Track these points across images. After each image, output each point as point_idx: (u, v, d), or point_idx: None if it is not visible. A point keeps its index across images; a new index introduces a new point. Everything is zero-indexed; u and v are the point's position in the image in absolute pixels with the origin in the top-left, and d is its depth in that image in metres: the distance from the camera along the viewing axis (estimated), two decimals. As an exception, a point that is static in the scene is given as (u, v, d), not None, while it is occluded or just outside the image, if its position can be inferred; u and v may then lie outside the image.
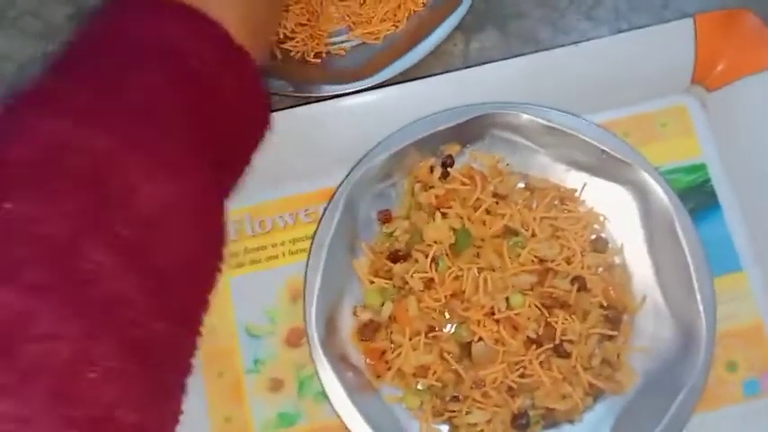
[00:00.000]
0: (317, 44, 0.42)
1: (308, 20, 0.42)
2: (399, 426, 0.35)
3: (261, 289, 0.38)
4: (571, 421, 0.35)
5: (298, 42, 0.42)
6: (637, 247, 0.37)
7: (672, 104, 0.40)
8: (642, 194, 0.36)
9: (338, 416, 0.34)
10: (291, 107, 0.38)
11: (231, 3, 0.27)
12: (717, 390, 0.36)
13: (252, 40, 0.28)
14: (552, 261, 0.35)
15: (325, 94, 0.39)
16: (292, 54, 0.42)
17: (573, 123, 0.37)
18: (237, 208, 0.39)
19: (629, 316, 0.36)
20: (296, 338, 0.37)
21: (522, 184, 0.38)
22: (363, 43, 0.42)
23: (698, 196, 0.38)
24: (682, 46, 0.38)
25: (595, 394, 0.35)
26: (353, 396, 0.34)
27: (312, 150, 0.39)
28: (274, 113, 0.38)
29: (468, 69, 0.38)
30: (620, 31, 0.40)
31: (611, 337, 0.35)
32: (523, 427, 0.34)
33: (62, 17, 0.43)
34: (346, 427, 0.34)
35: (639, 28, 0.39)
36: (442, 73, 0.39)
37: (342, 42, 0.42)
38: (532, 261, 0.36)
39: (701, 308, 0.34)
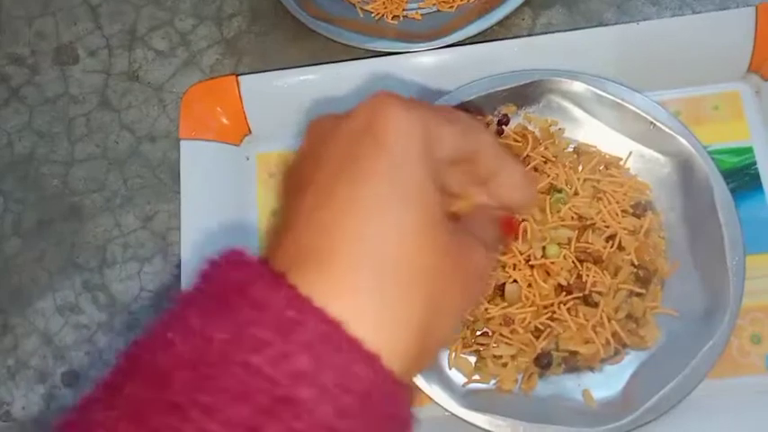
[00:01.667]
0: (396, 8, 0.45)
1: (390, -14, 0.46)
2: (431, 353, 0.38)
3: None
4: (592, 368, 0.37)
5: (378, 5, 0.46)
6: (675, 215, 0.39)
7: (726, 90, 0.41)
8: (686, 167, 0.38)
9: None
10: (366, 58, 0.42)
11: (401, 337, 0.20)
12: (740, 359, 0.37)
13: (409, 374, 0.21)
14: (591, 219, 0.38)
15: (398, 50, 0.43)
16: (373, 15, 0.46)
17: (625, 95, 0.39)
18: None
19: (659, 278, 0.38)
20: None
21: (570, 148, 0.40)
22: (438, 10, 0.45)
23: (742, 177, 0.40)
24: (742, 34, 0.40)
25: (617, 345, 0.37)
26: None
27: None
28: (351, 63, 0.42)
29: (533, 37, 0.41)
30: (683, 17, 0.42)
31: (639, 295, 0.37)
32: (546, 366, 0.37)
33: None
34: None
35: (702, 14, 0.41)
36: (507, 38, 0.42)
37: (418, 8, 0.46)
38: (572, 217, 0.38)
39: (730, 275, 0.35)
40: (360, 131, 0.21)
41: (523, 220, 0.37)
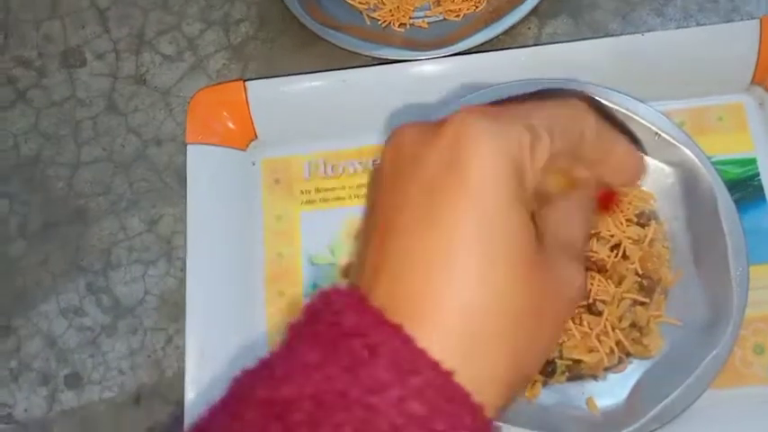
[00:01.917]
0: (403, 16, 0.46)
1: (398, -6, 0.47)
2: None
3: (326, 225, 0.42)
4: (595, 377, 0.37)
5: (385, 12, 0.46)
6: (679, 225, 0.39)
7: (730, 101, 0.42)
8: (690, 177, 0.38)
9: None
10: (372, 66, 0.43)
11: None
12: (743, 369, 0.37)
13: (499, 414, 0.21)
14: (595, 228, 0.38)
15: (404, 58, 0.43)
16: (380, 22, 0.46)
17: (629, 105, 0.39)
18: (316, 151, 0.43)
19: (663, 287, 0.38)
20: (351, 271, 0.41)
21: (575, 157, 0.41)
22: (444, 19, 0.46)
23: (745, 188, 0.40)
24: (746, 46, 0.40)
25: (621, 354, 0.37)
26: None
27: (387, 107, 0.42)
28: (357, 70, 0.42)
29: (539, 47, 0.42)
30: (688, 29, 0.42)
31: (643, 304, 0.37)
32: (549, 374, 0.37)
33: (184, -27, 0.50)
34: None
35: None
36: (513, 48, 0.42)
37: (424, 17, 0.46)
38: (577, 226, 0.38)
39: (733, 285, 0.36)
40: (444, 165, 0.20)
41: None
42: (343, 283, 0.21)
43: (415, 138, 0.22)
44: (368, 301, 0.20)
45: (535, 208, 0.23)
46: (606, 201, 0.26)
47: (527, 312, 0.20)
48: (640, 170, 0.25)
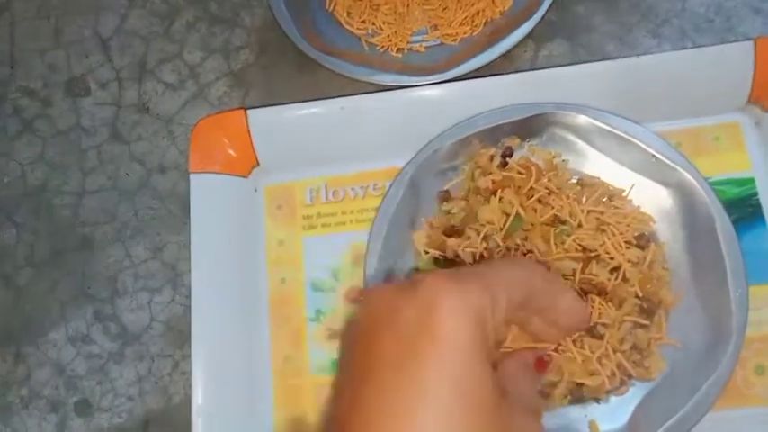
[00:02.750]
0: (401, 41, 0.46)
1: (395, 19, 0.47)
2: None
3: (328, 249, 0.43)
4: (597, 400, 0.38)
5: (383, 38, 0.47)
6: (678, 246, 0.39)
7: (726, 121, 0.42)
8: (688, 198, 0.39)
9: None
10: (372, 92, 0.43)
11: None
12: (744, 390, 0.38)
13: None
14: (595, 251, 0.38)
15: (402, 84, 0.44)
16: (377, 48, 0.46)
17: (627, 128, 0.40)
18: (317, 176, 0.44)
19: (663, 309, 0.38)
20: (354, 296, 0.41)
21: (574, 180, 0.41)
22: (441, 44, 0.46)
23: (744, 208, 0.40)
24: (741, 67, 0.41)
25: (623, 377, 0.37)
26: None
27: (386, 133, 0.43)
28: (356, 97, 0.43)
29: (535, 71, 0.42)
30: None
31: (643, 326, 0.38)
32: (546, 396, 0.37)
33: (184, 1, 0.50)
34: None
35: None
36: (510, 72, 0.43)
37: (422, 41, 0.47)
38: (576, 249, 0.39)
39: (733, 306, 0.36)
40: (416, 326, 0.22)
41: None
42: None
43: (388, 300, 0.24)
44: None
45: (498, 358, 0.26)
46: (540, 364, 0.31)
47: None
48: (585, 315, 0.30)
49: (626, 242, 0.39)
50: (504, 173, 0.40)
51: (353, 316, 0.26)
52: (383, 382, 0.22)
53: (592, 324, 0.37)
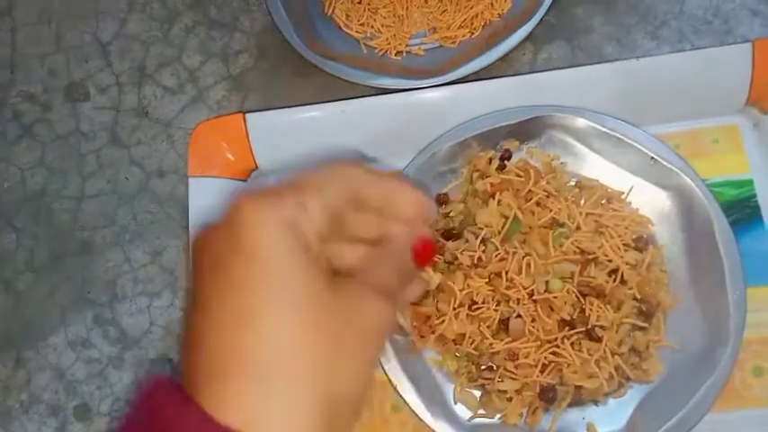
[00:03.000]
0: (400, 44, 0.46)
1: (393, 22, 0.47)
2: (438, 387, 0.39)
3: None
4: (596, 402, 0.38)
5: (382, 41, 0.47)
6: (676, 249, 0.39)
7: (725, 123, 0.42)
8: (686, 201, 0.39)
9: (385, 372, 0.38)
10: (371, 96, 0.43)
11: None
12: (742, 392, 0.38)
13: None
14: (593, 254, 0.38)
15: (401, 87, 0.44)
16: (376, 51, 0.47)
17: (626, 130, 0.40)
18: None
19: (661, 312, 0.38)
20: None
21: (572, 183, 0.41)
22: (440, 46, 0.46)
23: (742, 210, 0.40)
24: (739, 68, 0.41)
25: (621, 379, 0.37)
26: (400, 357, 0.38)
27: (385, 136, 0.43)
28: (354, 100, 0.43)
29: (533, 74, 0.42)
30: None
31: (642, 328, 0.38)
32: (550, 401, 0.37)
33: (183, 5, 0.50)
34: (392, 384, 0.37)
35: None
36: (509, 75, 0.43)
37: (421, 44, 0.47)
38: (574, 252, 0.39)
39: (731, 308, 0.36)
40: (224, 243, 0.23)
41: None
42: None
43: (210, 229, 0.24)
44: (168, 383, 0.22)
45: (335, 254, 0.26)
46: (422, 252, 0.28)
47: (321, 342, 0.22)
48: (428, 203, 0.28)
49: (624, 245, 0.39)
50: (502, 175, 0.41)
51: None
52: (209, 308, 0.23)
53: (590, 326, 0.37)
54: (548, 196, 0.40)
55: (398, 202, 0.27)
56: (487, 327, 0.38)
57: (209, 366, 0.22)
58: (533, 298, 0.38)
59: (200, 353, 0.22)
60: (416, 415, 0.37)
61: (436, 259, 0.39)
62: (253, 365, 0.21)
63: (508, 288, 0.38)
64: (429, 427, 0.37)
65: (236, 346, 0.22)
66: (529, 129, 0.41)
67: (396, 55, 0.46)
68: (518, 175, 0.40)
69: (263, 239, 0.22)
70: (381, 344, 0.26)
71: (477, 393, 0.38)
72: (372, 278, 0.26)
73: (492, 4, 0.46)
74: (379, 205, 0.27)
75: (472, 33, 0.46)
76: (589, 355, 0.37)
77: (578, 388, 0.37)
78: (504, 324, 0.38)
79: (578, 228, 0.39)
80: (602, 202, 0.40)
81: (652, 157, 0.39)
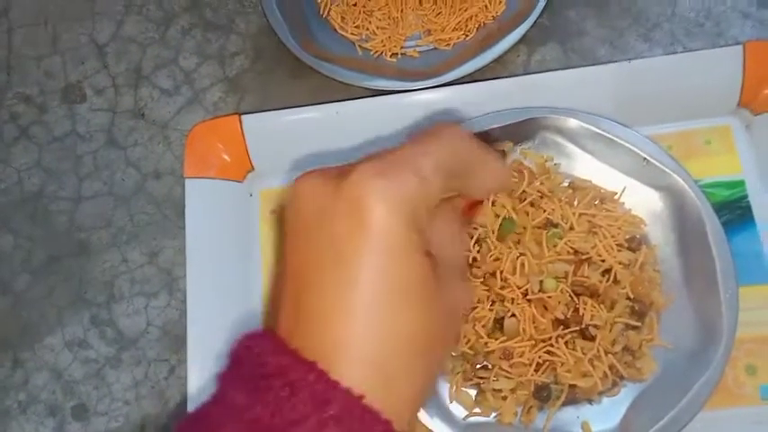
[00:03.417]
0: (395, 46, 0.47)
1: (388, 24, 0.48)
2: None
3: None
4: (590, 401, 0.38)
5: (377, 43, 0.47)
6: (669, 249, 0.40)
7: (717, 124, 0.42)
8: (678, 201, 0.39)
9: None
10: (364, 98, 0.44)
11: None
12: (735, 390, 0.38)
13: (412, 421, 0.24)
14: (586, 254, 0.39)
15: (396, 89, 0.44)
16: (372, 53, 0.47)
17: (618, 132, 0.40)
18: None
19: (654, 311, 0.39)
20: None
21: (565, 183, 0.41)
22: (435, 48, 0.47)
23: (734, 210, 0.41)
24: (731, 71, 0.41)
25: (615, 378, 0.38)
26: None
27: (381, 137, 0.43)
28: (350, 102, 0.43)
29: (527, 76, 0.42)
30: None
31: (635, 328, 0.38)
32: (545, 399, 0.37)
33: (179, 7, 0.51)
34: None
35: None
36: (503, 77, 0.43)
37: (416, 46, 0.47)
38: (568, 252, 0.39)
39: (723, 307, 0.36)
40: (345, 225, 0.23)
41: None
42: (260, 329, 0.24)
43: (317, 194, 0.24)
44: (285, 343, 0.23)
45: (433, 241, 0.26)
46: (471, 209, 0.30)
47: (432, 338, 0.23)
48: (508, 175, 0.30)
49: (617, 245, 0.39)
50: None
51: (286, 205, 0.26)
52: (320, 287, 0.22)
53: (584, 326, 0.37)
54: (541, 197, 0.40)
55: (486, 174, 0.28)
56: (482, 326, 0.38)
57: (314, 335, 0.22)
58: (528, 297, 0.38)
59: (303, 321, 0.23)
60: (412, 414, 0.37)
61: None
62: (373, 341, 0.22)
63: (503, 288, 0.38)
64: (424, 425, 0.37)
65: (356, 322, 0.22)
66: (522, 130, 0.41)
67: (391, 57, 0.47)
68: (512, 176, 0.41)
69: (388, 228, 0.22)
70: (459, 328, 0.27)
71: (473, 392, 0.39)
72: (449, 257, 0.26)
73: (486, 7, 0.47)
74: (471, 170, 0.27)
75: (466, 36, 0.46)
76: (583, 353, 0.37)
77: (573, 387, 0.37)
78: (498, 323, 0.38)
79: (572, 228, 0.39)
80: (596, 202, 0.41)
81: (645, 158, 0.40)
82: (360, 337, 0.22)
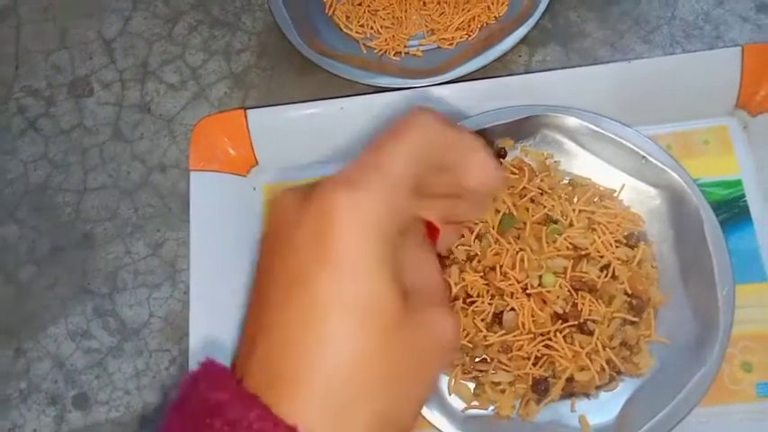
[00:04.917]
0: (398, 44, 0.47)
1: (392, 24, 0.48)
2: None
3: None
4: (588, 395, 0.38)
5: (381, 41, 0.48)
6: (667, 246, 0.40)
7: (715, 124, 0.43)
8: (676, 199, 0.40)
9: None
10: (368, 94, 0.44)
11: None
12: (731, 386, 0.38)
13: None
14: (585, 249, 0.39)
15: (399, 86, 0.45)
16: (376, 51, 0.48)
17: (618, 130, 0.41)
18: (316, 176, 0.44)
19: (652, 307, 0.39)
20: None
21: (565, 181, 0.42)
22: (438, 47, 0.47)
23: (731, 209, 0.41)
24: (729, 72, 0.42)
25: (612, 372, 0.38)
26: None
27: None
28: (354, 98, 0.44)
29: (529, 75, 0.43)
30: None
31: (632, 323, 0.38)
32: (542, 393, 0.38)
33: (186, 4, 0.51)
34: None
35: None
36: (504, 76, 0.44)
37: (419, 45, 0.48)
38: (567, 247, 0.39)
39: (720, 304, 0.37)
40: (309, 243, 0.21)
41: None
42: (213, 358, 0.22)
43: (287, 209, 0.22)
44: (229, 376, 0.21)
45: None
46: (431, 234, 0.26)
47: (394, 373, 0.21)
48: (498, 173, 0.25)
49: (616, 241, 0.40)
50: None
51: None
52: (278, 310, 0.21)
53: (582, 320, 0.38)
54: (542, 193, 0.41)
55: (472, 166, 0.25)
56: (482, 320, 0.39)
57: (267, 363, 0.21)
58: (527, 292, 0.38)
59: (269, 353, 0.21)
60: (411, 405, 0.37)
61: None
62: (322, 377, 0.20)
63: (502, 282, 0.39)
64: (424, 417, 0.37)
65: (308, 353, 0.20)
66: (523, 128, 0.42)
67: (394, 56, 0.47)
68: (513, 173, 0.41)
69: (353, 251, 0.20)
70: (442, 365, 0.24)
71: (471, 385, 0.39)
72: (421, 283, 0.24)
73: (489, 8, 0.47)
74: (452, 160, 0.24)
75: (469, 35, 0.47)
76: (581, 348, 0.37)
77: (570, 381, 0.38)
78: (497, 317, 0.39)
79: (571, 224, 0.40)
80: (595, 199, 0.41)
81: (644, 157, 0.40)
82: (311, 367, 0.20)
